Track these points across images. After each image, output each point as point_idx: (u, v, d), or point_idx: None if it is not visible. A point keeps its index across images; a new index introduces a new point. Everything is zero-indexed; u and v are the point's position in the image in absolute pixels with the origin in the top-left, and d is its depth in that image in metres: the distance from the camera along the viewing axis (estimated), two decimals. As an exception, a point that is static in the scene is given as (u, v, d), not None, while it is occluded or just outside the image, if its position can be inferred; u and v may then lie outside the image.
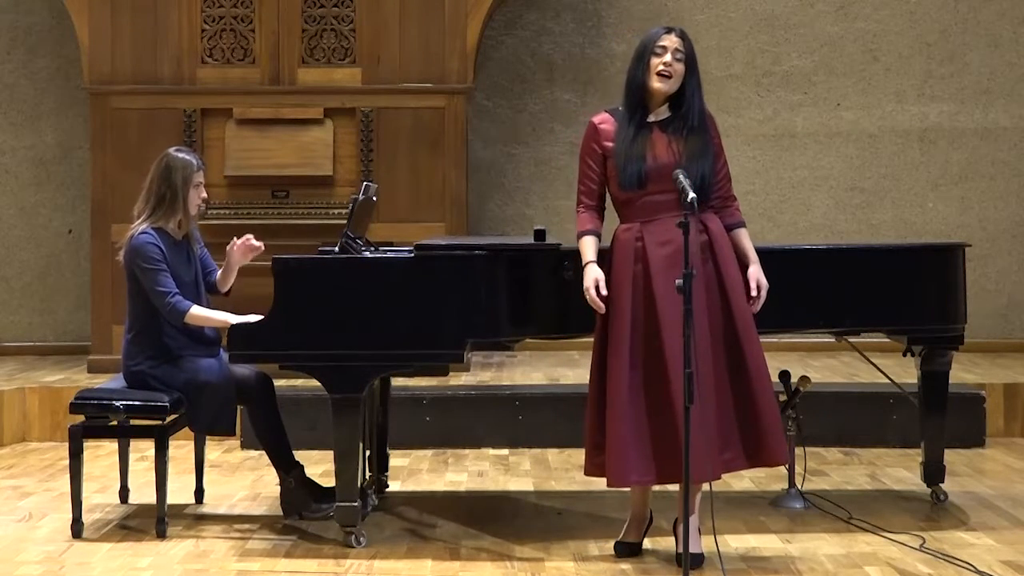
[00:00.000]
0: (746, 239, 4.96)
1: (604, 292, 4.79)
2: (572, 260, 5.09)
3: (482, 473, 6.56)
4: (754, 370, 4.80)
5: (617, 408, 4.76)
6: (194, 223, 5.62)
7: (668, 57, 4.79)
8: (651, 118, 4.85)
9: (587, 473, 4.96)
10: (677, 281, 4.38)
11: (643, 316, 4.78)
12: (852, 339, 5.82)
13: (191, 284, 5.51)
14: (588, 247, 4.87)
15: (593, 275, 4.80)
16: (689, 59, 4.82)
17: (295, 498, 5.54)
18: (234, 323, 5.19)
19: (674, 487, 4.89)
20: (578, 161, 4.99)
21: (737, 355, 4.79)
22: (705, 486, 4.77)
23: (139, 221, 5.50)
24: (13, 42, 9.09)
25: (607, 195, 4.94)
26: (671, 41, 4.81)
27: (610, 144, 4.85)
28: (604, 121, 4.91)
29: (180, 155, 5.57)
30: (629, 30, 9.12)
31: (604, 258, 4.89)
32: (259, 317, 5.21)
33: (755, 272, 4.89)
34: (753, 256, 4.92)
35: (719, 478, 4.75)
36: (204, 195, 5.62)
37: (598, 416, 4.87)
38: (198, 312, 5.39)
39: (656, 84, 4.80)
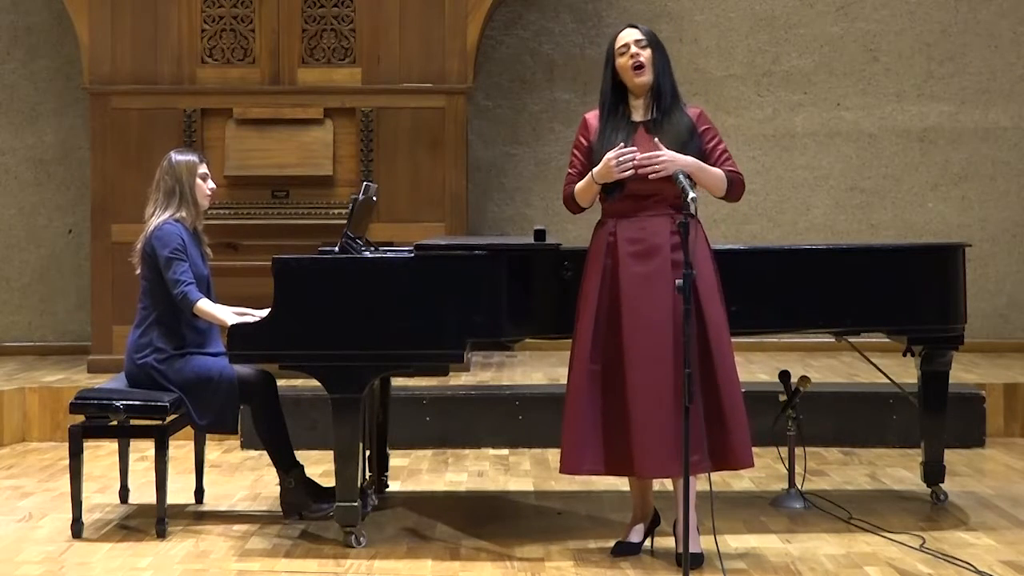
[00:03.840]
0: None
1: (621, 148, 4.74)
2: (572, 260, 5.10)
3: (482, 473, 6.55)
4: (723, 376, 4.79)
5: (575, 398, 4.83)
6: (201, 221, 5.68)
7: (633, 49, 4.85)
8: (636, 118, 4.88)
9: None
10: (677, 281, 4.40)
11: (607, 310, 4.82)
12: (852, 339, 5.82)
13: (204, 279, 5.57)
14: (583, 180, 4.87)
15: (603, 159, 4.76)
16: (652, 42, 4.88)
17: (295, 498, 5.54)
18: (233, 323, 5.21)
19: (672, 487, 4.90)
20: None
21: (707, 360, 4.78)
22: (705, 486, 4.77)
23: (155, 217, 5.53)
24: (13, 42, 9.09)
25: None
26: (628, 35, 4.89)
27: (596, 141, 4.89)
28: (595, 117, 4.95)
29: (181, 154, 5.68)
30: (629, 30, 9.12)
31: (582, 255, 4.96)
32: (261, 316, 5.22)
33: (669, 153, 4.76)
34: (693, 161, 4.81)
35: (671, 477, 4.78)
36: (212, 185, 5.67)
37: None
38: (205, 306, 5.41)
39: (637, 80, 4.84)
